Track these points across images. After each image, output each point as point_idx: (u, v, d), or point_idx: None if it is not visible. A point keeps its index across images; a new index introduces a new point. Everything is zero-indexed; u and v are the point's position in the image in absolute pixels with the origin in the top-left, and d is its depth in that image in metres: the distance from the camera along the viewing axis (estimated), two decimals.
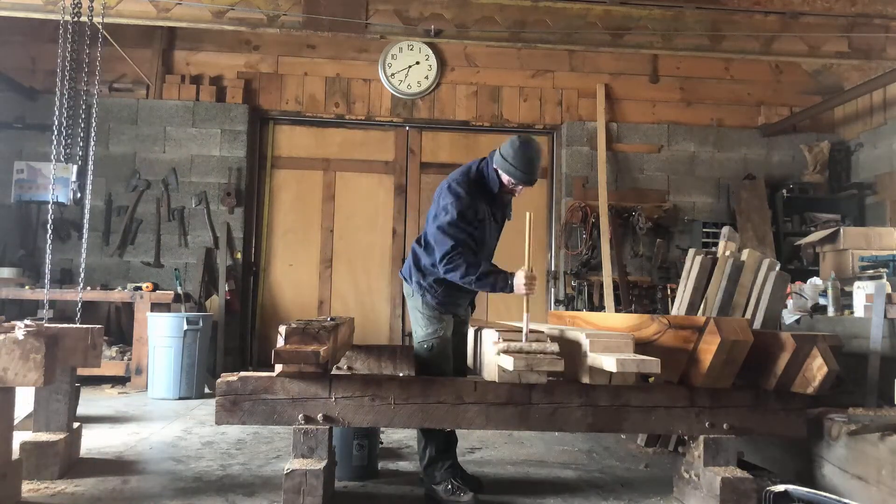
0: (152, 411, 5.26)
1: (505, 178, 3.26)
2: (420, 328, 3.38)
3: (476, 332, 3.58)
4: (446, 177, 3.36)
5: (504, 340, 2.86)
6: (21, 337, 2.72)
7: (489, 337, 3.10)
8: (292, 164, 7.50)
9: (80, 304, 4.29)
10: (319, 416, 3.03)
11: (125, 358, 6.32)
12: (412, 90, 7.44)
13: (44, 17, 5.95)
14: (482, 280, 3.11)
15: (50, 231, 4.11)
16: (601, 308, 6.92)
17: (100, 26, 5.37)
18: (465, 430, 3.45)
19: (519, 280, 3.06)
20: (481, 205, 3.27)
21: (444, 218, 3.18)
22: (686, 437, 3.26)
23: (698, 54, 6.91)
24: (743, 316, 3.92)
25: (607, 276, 7.01)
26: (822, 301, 4.97)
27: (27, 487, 3.18)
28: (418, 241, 3.43)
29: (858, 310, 4.51)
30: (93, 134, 4.65)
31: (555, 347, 2.83)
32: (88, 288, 6.03)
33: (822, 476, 3.21)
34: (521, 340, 2.86)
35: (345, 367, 4.82)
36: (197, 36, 7.20)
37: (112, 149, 7.00)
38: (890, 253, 5.24)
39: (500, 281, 3.10)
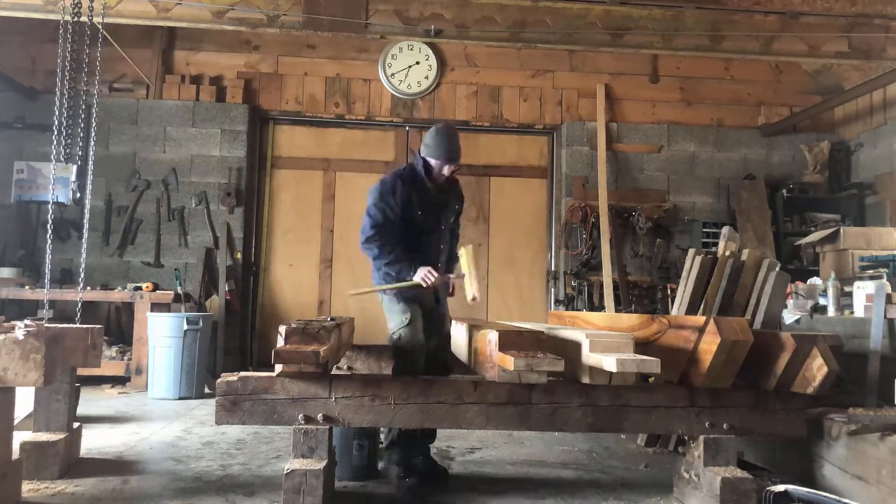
0: (152, 411, 5.26)
1: (433, 162, 3.58)
2: (390, 322, 3.61)
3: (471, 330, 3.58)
4: None
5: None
6: (21, 337, 2.72)
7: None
8: (292, 164, 7.50)
9: (80, 304, 4.29)
10: (319, 416, 3.03)
11: (125, 358, 6.32)
12: (412, 90, 7.44)
13: (44, 17, 5.94)
14: (392, 264, 3.50)
15: (50, 231, 4.11)
16: (601, 308, 6.92)
17: (100, 26, 5.37)
18: (466, 430, 3.46)
19: (419, 273, 3.44)
20: (411, 193, 3.54)
21: (368, 201, 3.55)
22: (686, 437, 3.26)
23: (698, 54, 6.91)
24: (743, 316, 3.92)
25: (607, 276, 7.01)
26: (822, 301, 4.97)
27: (27, 487, 3.18)
28: None
29: (858, 310, 4.51)
30: (93, 134, 4.65)
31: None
32: (88, 288, 6.03)
33: (822, 476, 3.21)
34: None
35: (345, 367, 4.82)
36: (197, 36, 7.20)
37: (112, 149, 7.00)
38: (890, 253, 5.24)
39: (405, 269, 3.48)
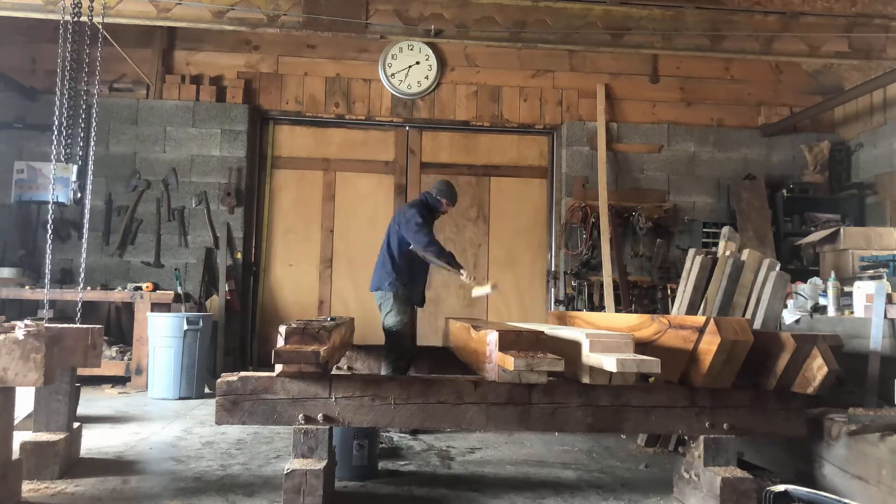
0: (152, 411, 5.27)
1: (444, 201, 5.12)
2: (392, 318, 4.88)
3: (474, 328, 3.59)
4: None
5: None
6: (21, 337, 2.72)
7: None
8: (292, 164, 7.50)
9: (80, 304, 4.29)
10: (319, 416, 3.03)
11: (125, 358, 6.32)
12: (412, 90, 7.44)
13: (44, 17, 5.95)
14: (448, 255, 4.96)
15: (50, 231, 4.11)
16: (601, 308, 6.91)
17: (100, 26, 5.37)
18: (466, 430, 3.47)
19: (465, 272, 4.98)
20: (430, 218, 5.09)
21: (416, 222, 4.88)
22: (686, 437, 3.26)
23: (698, 54, 6.91)
24: (743, 316, 3.93)
25: (607, 276, 7.01)
26: (822, 301, 4.97)
27: (27, 487, 3.18)
28: (388, 250, 5.01)
29: (858, 310, 4.50)
30: (93, 134, 4.64)
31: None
32: (88, 288, 6.04)
33: (822, 476, 3.21)
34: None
35: (345, 367, 4.84)
36: (197, 36, 7.20)
37: (112, 149, 7.00)
38: (890, 253, 5.24)
39: (455, 262, 4.99)
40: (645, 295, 7.11)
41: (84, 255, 4.41)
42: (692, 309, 4.20)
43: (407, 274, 4.96)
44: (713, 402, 3.11)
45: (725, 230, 4.42)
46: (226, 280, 6.94)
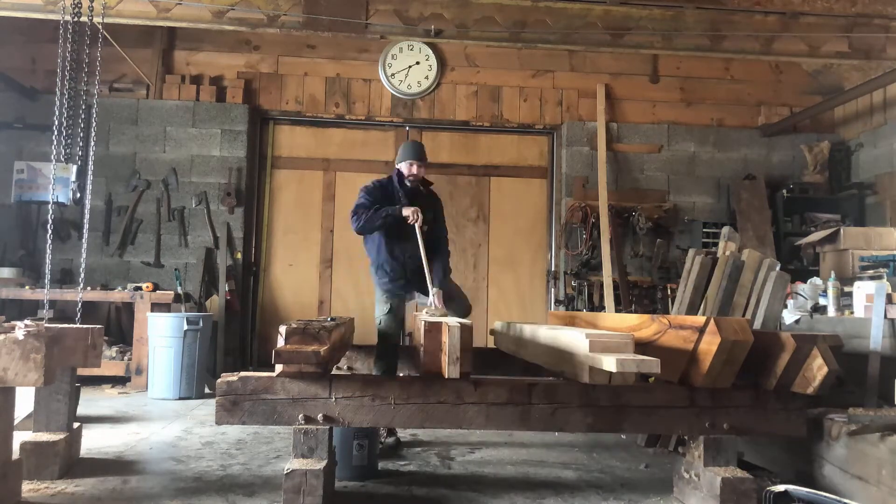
0: (152, 411, 5.26)
1: (403, 166, 4.33)
2: (376, 310, 4.41)
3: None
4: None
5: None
6: (21, 337, 2.72)
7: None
8: (292, 164, 7.51)
9: (80, 304, 4.29)
10: (319, 416, 3.03)
11: (125, 358, 6.32)
12: (412, 90, 7.44)
13: (44, 17, 5.94)
14: (373, 218, 4.16)
15: (50, 231, 4.11)
16: (601, 308, 6.92)
17: (100, 26, 5.37)
18: (466, 430, 3.47)
19: (406, 211, 4.12)
20: (381, 198, 4.27)
21: (355, 205, 4.30)
22: (686, 437, 3.26)
23: (698, 54, 6.91)
24: (743, 316, 3.93)
25: (607, 276, 7.01)
26: (822, 301, 4.97)
27: (27, 487, 3.18)
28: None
29: (858, 310, 4.50)
30: (93, 134, 4.64)
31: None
32: (88, 288, 6.04)
33: (822, 476, 3.21)
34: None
35: (345, 367, 4.83)
36: (197, 36, 7.20)
37: (112, 149, 7.00)
38: (890, 253, 5.24)
39: (390, 211, 4.15)
40: (645, 295, 7.11)
41: (84, 255, 4.40)
42: (692, 309, 4.20)
43: (386, 260, 4.30)
44: (713, 402, 3.11)
45: (725, 230, 4.42)
46: (226, 280, 6.94)
